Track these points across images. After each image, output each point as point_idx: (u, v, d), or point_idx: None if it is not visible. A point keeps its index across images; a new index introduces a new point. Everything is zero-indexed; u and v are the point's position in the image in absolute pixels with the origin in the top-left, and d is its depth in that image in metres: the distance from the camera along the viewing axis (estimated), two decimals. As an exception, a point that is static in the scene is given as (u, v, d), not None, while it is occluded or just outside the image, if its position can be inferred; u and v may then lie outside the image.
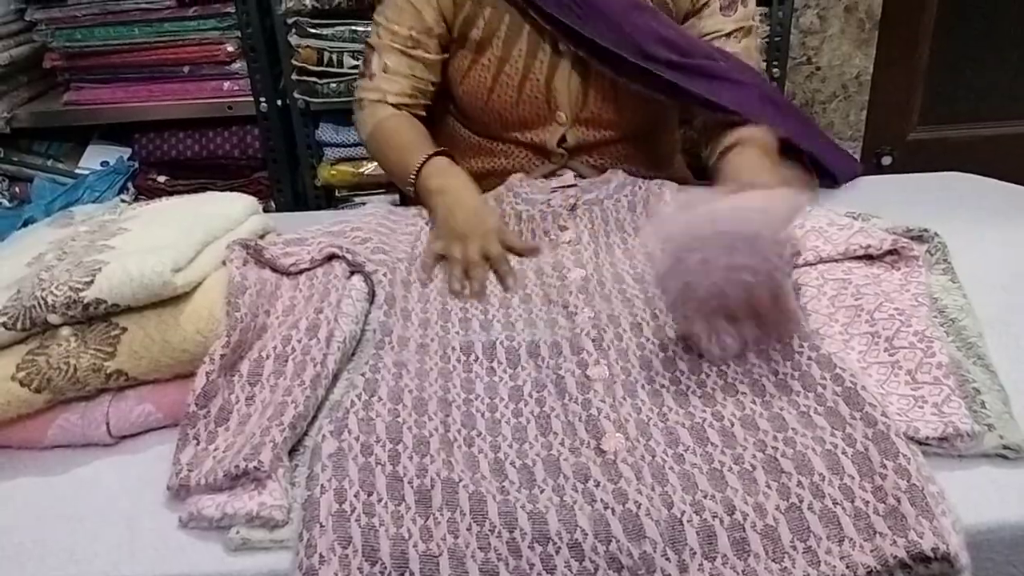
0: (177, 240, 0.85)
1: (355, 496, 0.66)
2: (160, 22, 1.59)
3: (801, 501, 0.64)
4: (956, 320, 0.84)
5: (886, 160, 2.08)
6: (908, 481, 0.63)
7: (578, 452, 0.70)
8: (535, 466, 0.69)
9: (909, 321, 0.80)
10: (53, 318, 0.78)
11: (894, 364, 0.77)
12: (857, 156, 2.06)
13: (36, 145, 1.79)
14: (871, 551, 0.60)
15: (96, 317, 0.80)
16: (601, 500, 0.65)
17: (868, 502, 0.63)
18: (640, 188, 1.09)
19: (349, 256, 0.94)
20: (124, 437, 0.81)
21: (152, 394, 0.81)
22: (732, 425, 0.71)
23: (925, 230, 0.95)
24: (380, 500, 0.66)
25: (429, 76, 1.17)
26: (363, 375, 0.79)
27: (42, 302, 0.78)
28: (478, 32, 1.12)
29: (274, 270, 0.94)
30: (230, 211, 0.97)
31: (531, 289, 0.94)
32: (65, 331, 0.79)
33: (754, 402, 0.74)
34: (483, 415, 0.75)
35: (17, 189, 1.79)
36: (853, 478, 0.65)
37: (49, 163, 1.78)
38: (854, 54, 1.93)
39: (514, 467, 0.69)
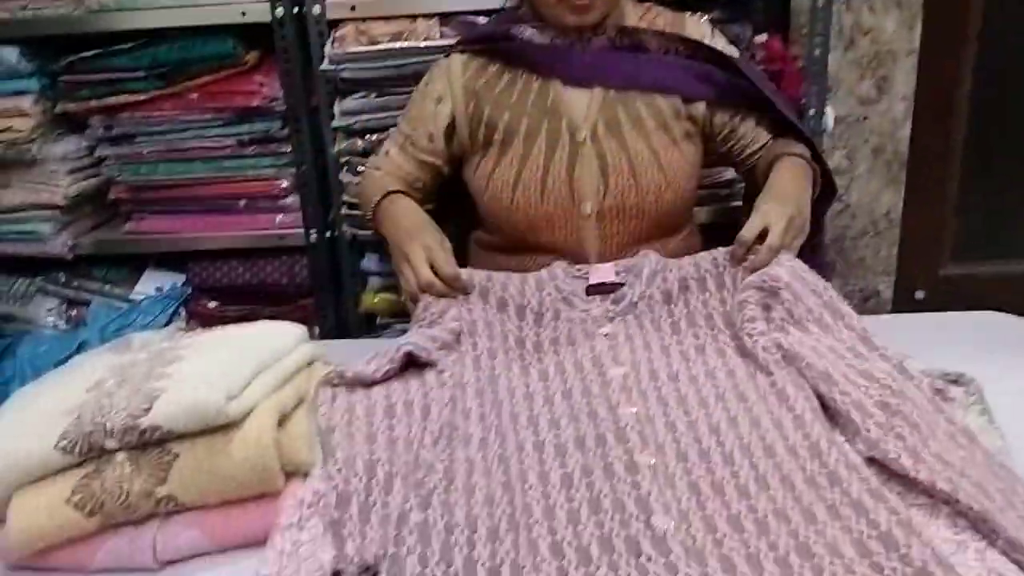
0: (231, 369, 0.89)
1: (436, 564, 0.75)
2: (220, 159, 1.69)
3: (835, 574, 0.71)
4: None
5: (919, 295, 2.09)
6: (932, 550, 0.70)
7: (628, 526, 0.77)
8: (590, 546, 0.76)
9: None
10: (110, 443, 0.82)
11: (934, 507, 0.78)
12: (890, 292, 2.08)
13: (95, 270, 1.87)
14: None
15: (150, 443, 0.83)
16: (653, 572, 0.72)
17: (896, 568, 0.69)
18: (671, 273, 1.11)
19: (423, 354, 1.03)
20: (169, 562, 0.83)
21: (199, 520, 0.83)
22: (766, 516, 0.77)
23: (961, 375, 0.97)
24: (457, 574, 0.75)
25: (417, 172, 1.33)
26: (442, 462, 0.87)
27: (101, 428, 0.81)
28: (499, 135, 1.23)
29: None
30: (281, 340, 1.01)
31: (572, 383, 0.99)
32: (120, 456, 0.83)
33: (785, 496, 0.80)
34: (538, 502, 0.82)
35: (74, 312, 1.86)
36: (880, 553, 0.71)
37: (106, 288, 1.86)
38: (883, 192, 1.98)
39: (571, 547, 0.76)
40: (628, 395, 0.94)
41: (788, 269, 1.04)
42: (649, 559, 0.73)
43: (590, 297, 1.12)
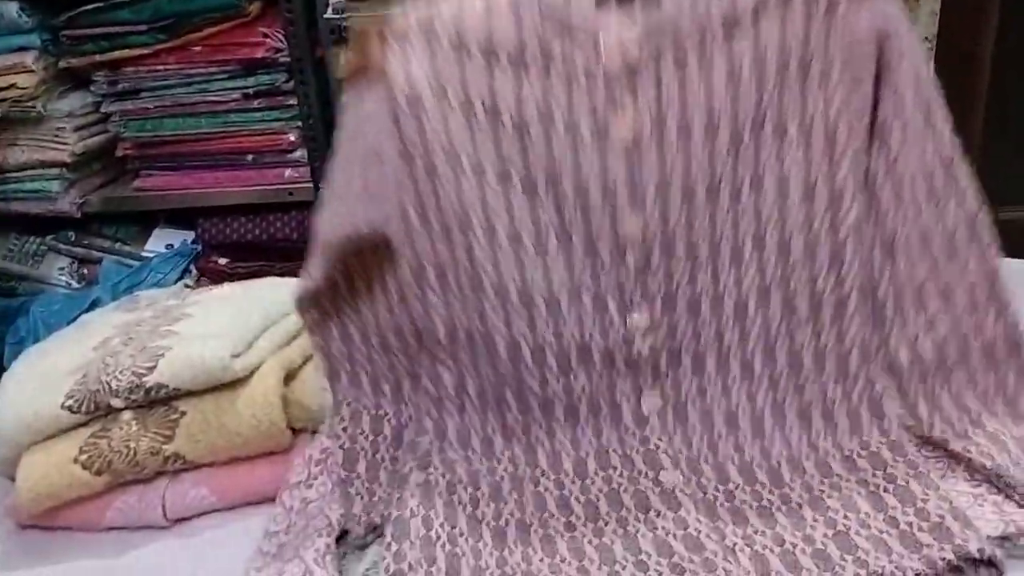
0: (236, 326, 0.88)
1: (440, 526, 0.72)
2: (227, 113, 1.67)
3: (848, 529, 0.68)
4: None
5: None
6: (951, 504, 0.68)
7: (637, 482, 0.74)
8: (599, 501, 0.74)
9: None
10: (116, 402, 0.81)
11: (951, 459, 0.76)
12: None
13: (105, 228, 1.87)
14: (920, 559, 0.65)
15: (157, 401, 0.82)
16: (662, 528, 0.70)
17: (912, 522, 0.68)
18: None
19: None
20: (178, 520, 0.83)
21: (207, 478, 0.83)
22: (779, 465, 0.76)
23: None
24: (462, 535, 0.72)
25: None
26: (431, 417, 0.81)
27: (107, 387, 0.81)
28: None
29: None
30: (287, 297, 0.99)
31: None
32: (126, 415, 0.82)
33: (800, 443, 0.77)
34: (543, 450, 0.78)
35: (86, 271, 1.86)
36: (896, 508, 0.69)
37: (116, 246, 1.86)
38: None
39: (579, 502, 0.74)
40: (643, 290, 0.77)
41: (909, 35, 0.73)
42: (658, 514, 0.72)
43: (601, 7, 0.71)
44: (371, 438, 0.83)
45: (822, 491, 0.73)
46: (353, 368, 0.85)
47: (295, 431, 0.86)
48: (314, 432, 0.87)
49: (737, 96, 0.72)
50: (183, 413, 0.82)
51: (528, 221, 0.74)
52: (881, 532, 0.68)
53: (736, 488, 0.74)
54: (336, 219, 0.76)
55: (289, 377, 0.89)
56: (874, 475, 0.73)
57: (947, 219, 0.76)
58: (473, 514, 0.75)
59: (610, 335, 0.76)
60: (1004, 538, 0.67)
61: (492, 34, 0.72)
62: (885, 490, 0.71)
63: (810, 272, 0.75)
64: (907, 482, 0.71)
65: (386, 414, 0.86)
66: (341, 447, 0.82)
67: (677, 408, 0.78)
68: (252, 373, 0.84)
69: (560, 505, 0.75)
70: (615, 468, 0.77)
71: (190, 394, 0.83)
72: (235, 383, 0.83)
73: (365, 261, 0.79)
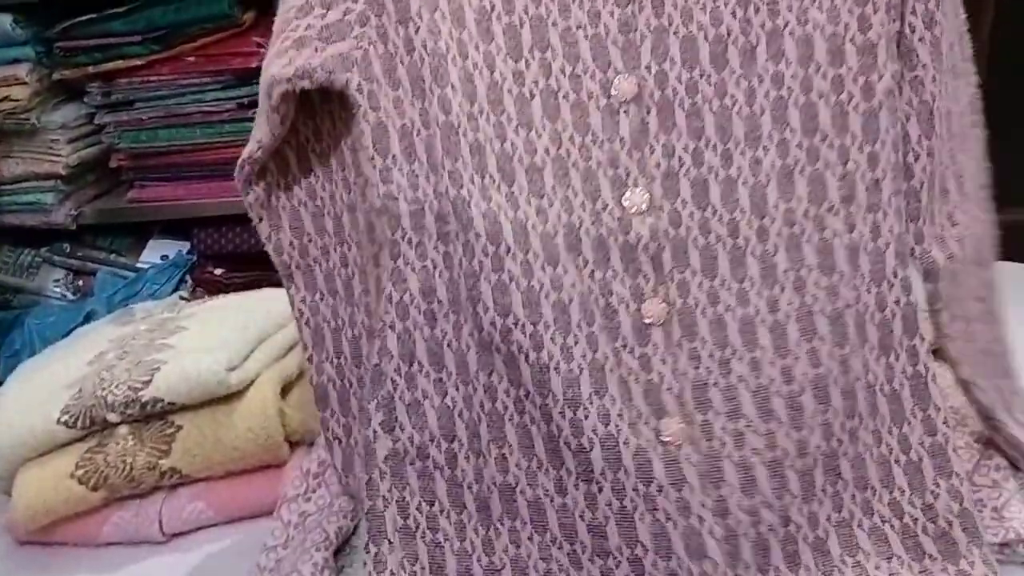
0: (232, 339, 0.88)
1: (417, 509, 0.67)
2: (221, 123, 1.66)
3: (852, 516, 0.64)
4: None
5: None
6: (960, 504, 0.64)
7: (637, 432, 0.63)
8: (591, 450, 0.63)
9: (965, 421, 0.79)
10: (112, 417, 0.81)
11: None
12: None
13: (100, 240, 1.86)
14: (920, 572, 0.62)
15: (153, 415, 0.82)
16: (663, 510, 0.62)
17: (917, 519, 0.64)
18: None
19: None
20: (176, 535, 0.82)
21: (204, 492, 0.82)
22: (801, 392, 0.64)
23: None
24: (442, 511, 0.67)
25: None
26: (393, 330, 0.67)
27: (102, 401, 0.81)
28: None
29: None
30: (283, 308, 0.99)
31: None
32: (122, 429, 0.82)
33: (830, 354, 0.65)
34: (527, 358, 0.63)
35: (81, 282, 1.85)
36: (904, 492, 0.65)
37: (112, 257, 1.85)
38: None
39: (569, 448, 0.63)
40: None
41: None
42: (660, 490, 0.62)
43: None
44: (335, 362, 0.74)
45: (837, 446, 0.64)
46: (306, 261, 0.74)
47: (292, 444, 0.86)
48: (311, 445, 0.86)
49: None
50: (179, 427, 0.82)
51: (512, 83, 0.65)
52: (884, 521, 0.64)
53: (747, 428, 0.63)
54: (288, 67, 0.66)
55: (286, 389, 0.88)
56: (890, 429, 0.65)
57: (961, 97, 0.68)
58: (452, 476, 0.67)
59: (603, 219, 0.64)
60: (1004, 544, 0.67)
61: None
62: (896, 461, 0.65)
63: (841, 147, 0.64)
64: (920, 458, 0.65)
65: (343, 323, 0.74)
66: (310, 382, 0.75)
67: (684, 316, 0.64)
68: (249, 386, 0.84)
69: (549, 448, 0.64)
70: (613, 400, 0.63)
71: (186, 408, 0.82)
72: (232, 396, 0.83)
73: (320, 128, 0.71)
